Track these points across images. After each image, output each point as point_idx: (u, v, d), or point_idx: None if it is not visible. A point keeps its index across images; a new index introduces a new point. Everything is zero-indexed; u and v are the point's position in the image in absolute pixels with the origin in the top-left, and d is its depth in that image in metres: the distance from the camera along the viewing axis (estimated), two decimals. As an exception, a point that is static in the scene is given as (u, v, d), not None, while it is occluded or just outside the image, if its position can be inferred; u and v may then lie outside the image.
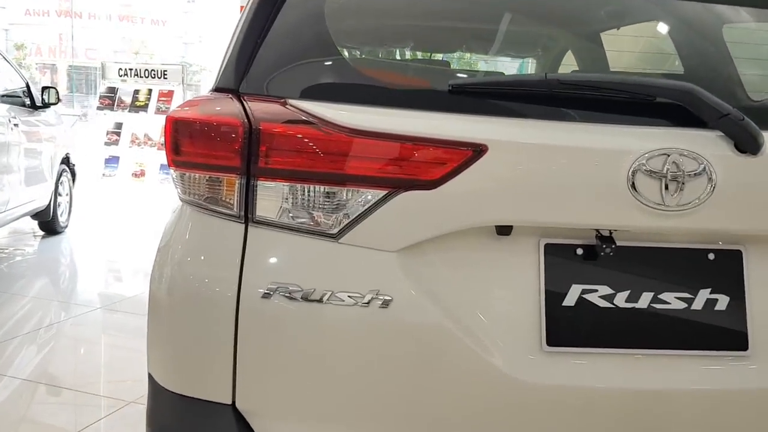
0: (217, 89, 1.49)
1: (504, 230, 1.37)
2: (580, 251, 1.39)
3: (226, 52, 1.54)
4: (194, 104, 1.47)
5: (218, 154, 1.38)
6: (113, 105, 9.39)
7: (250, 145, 1.34)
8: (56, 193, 6.73)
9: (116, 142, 9.35)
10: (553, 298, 1.38)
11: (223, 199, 1.38)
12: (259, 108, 1.38)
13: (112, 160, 9.31)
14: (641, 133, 1.36)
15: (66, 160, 7.04)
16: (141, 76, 9.39)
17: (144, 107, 9.35)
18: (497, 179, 1.32)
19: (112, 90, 9.45)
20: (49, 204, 6.56)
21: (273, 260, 1.37)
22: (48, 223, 6.77)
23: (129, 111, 9.37)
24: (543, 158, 1.33)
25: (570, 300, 1.38)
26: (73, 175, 7.33)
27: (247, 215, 1.37)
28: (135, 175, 9.29)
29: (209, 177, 1.40)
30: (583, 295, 1.38)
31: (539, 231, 1.39)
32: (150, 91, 9.39)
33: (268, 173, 1.35)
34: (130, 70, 9.46)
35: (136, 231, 7.30)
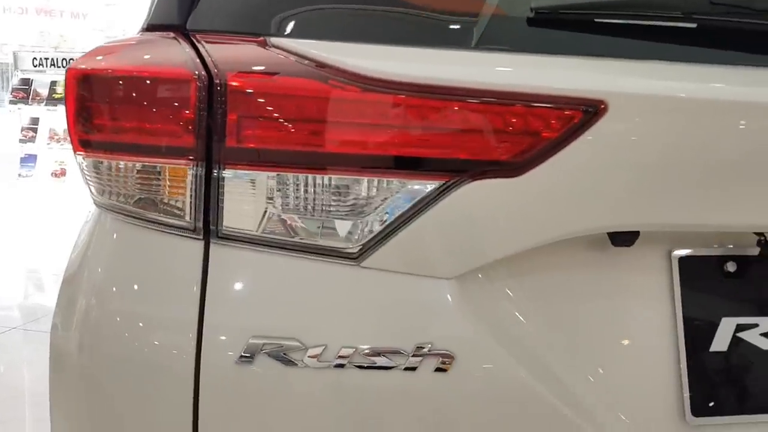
0: (149, 27, 0.94)
1: (623, 239, 0.87)
2: (731, 267, 0.91)
3: None
4: (114, 50, 0.92)
5: (157, 129, 0.85)
6: (28, 98, 8.59)
7: (210, 111, 0.83)
8: (-38, 197, 6.10)
9: (32, 139, 8.57)
10: (696, 339, 0.89)
11: (167, 201, 0.86)
12: (222, 52, 0.86)
13: (28, 159, 8.53)
14: None
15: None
16: (59, 66, 8.59)
17: (63, 100, 8.52)
18: (620, 157, 0.82)
19: (27, 81, 8.64)
20: (-46, 210, 5.92)
21: (253, 300, 0.85)
22: (-47, 231, 6.12)
23: (46, 104, 8.59)
24: (692, 122, 0.83)
25: (720, 342, 0.90)
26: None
27: (209, 227, 0.85)
28: (55, 174, 8.52)
29: (143, 166, 0.86)
30: (739, 333, 0.90)
31: (668, 238, 0.90)
32: (69, 82, 8.62)
33: (242, 157, 0.84)
34: (46, 59, 8.66)
35: (58, 236, 6.63)
